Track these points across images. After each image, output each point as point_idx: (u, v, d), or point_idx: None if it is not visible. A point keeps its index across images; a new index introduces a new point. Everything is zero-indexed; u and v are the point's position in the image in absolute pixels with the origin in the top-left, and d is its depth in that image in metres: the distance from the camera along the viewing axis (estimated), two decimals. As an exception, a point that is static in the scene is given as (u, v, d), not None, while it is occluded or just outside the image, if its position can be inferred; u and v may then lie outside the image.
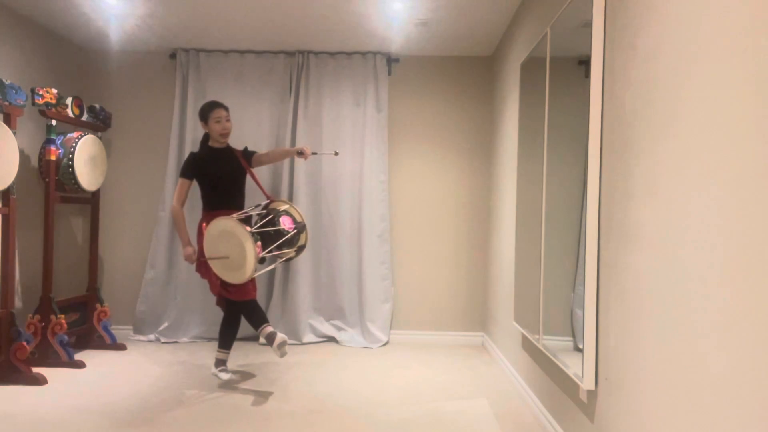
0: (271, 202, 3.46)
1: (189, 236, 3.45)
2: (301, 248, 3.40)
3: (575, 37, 2.30)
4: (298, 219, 3.38)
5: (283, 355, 3.17)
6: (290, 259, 3.48)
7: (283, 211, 3.36)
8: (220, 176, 3.42)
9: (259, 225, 3.26)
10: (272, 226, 3.25)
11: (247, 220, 3.37)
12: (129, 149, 4.65)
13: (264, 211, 3.40)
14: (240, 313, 3.43)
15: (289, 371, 3.67)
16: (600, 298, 2.03)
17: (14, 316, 3.36)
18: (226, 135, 3.46)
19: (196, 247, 3.41)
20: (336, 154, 3.81)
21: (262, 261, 3.32)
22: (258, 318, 3.34)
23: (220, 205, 3.39)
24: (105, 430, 2.62)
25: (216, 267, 3.17)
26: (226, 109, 3.48)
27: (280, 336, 3.16)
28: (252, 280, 3.37)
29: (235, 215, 3.24)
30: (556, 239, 2.53)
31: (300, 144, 4.48)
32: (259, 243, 3.14)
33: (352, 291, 4.54)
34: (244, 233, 3.03)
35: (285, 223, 3.28)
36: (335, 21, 3.89)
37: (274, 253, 3.27)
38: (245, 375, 3.56)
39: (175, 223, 3.46)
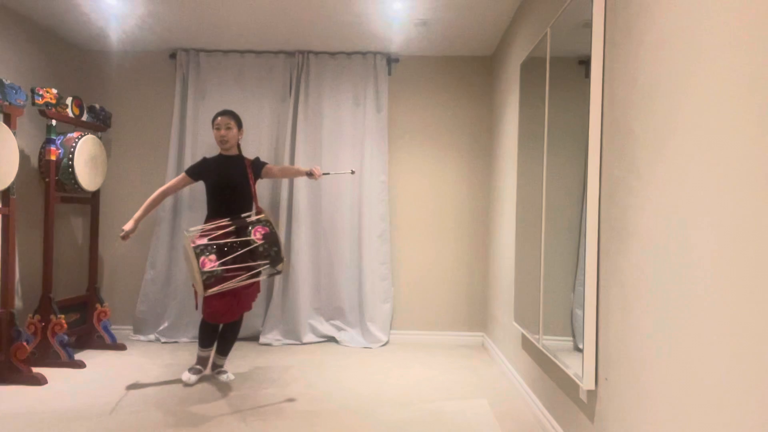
0: (258, 214, 3.40)
1: (141, 218, 3.42)
2: (276, 260, 3.15)
3: (575, 37, 2.30)
4: (271, 230, 3.19)
5: (188, 380, 3.35)
6: (273, 274, 3.24)
7: (258, 221, 3.22)
8: (221, 183, 3.42)
9: (215, 237, 3.19)
10: (245, 237, 3.17)
11: (239, 231, 3.26)
12: (129, 149, 4.65)
13: (230, 222, 3.34)
14: (238, 325, 3.46)
15: (289, 371, 3.67)
16: (600, 298, 2.03)
17: (14, 316, 3.36)
18: (223, 143, 3.44)
19: (133, 228, 3.37)
20: (352, 172, 3.76)
21: (259, 272, 3.18)
22: (206, 340, 3.40)
23: (219, 212, 3.39)
24: (105, 431, 2.62)
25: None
26: (229, 116, 3.45)
27: (198, 369, 3.42)
28: (228, 302, 3.24)
29: (207, 226, 3.26)
30: (556, 239, 2.53)
31: (299, 148, 4.47)
32: (212, 256, 3.02)
33: (352, 291, 4.54)
34: (189, 248, 3.02)
35: (256, 234, 3.15)
36: (335, 21, 3.89)
37: (247, 264, 3.11)
38: (245, 375, 3.56)
39: (147, 200, 3.47)
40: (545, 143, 2.61)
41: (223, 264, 3.05)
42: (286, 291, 4.49)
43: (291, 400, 3.10)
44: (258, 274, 3.17)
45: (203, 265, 2.97)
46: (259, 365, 3.79)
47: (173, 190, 3.54)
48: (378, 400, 3.11)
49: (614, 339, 1.89)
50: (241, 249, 3.12)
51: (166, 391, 3.20)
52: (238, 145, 3.59)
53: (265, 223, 3.22)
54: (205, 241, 3.10)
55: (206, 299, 3.22)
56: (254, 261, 3.13)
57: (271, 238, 3.15)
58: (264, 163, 3.55)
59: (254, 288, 3.41)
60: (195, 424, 2.71)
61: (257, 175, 3.51)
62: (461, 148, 4.62)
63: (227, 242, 3.15)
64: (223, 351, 3.47)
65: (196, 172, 3.48)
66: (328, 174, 3.82)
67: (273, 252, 3.14)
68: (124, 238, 3.38)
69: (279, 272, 3.27)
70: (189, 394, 3.15)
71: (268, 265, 3.15)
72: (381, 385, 3.41)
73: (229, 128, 3.44)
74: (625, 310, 1.80)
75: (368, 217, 4.48)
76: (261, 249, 3.13)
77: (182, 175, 3.50)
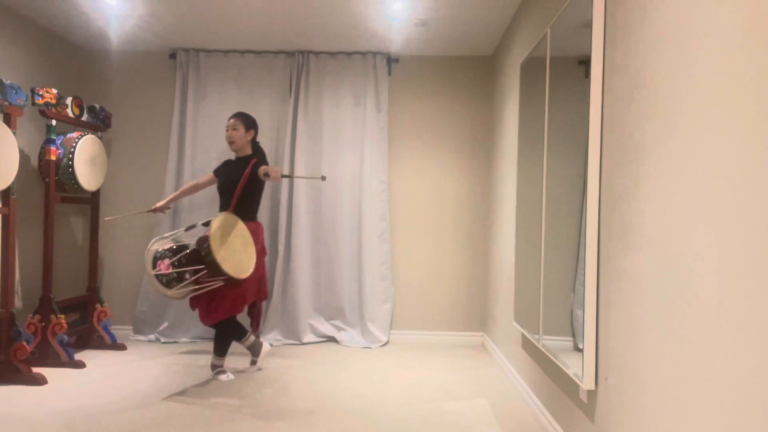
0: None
1: (173, 200, 3.90)
2: (213, 268, 3.07)
3: (575, 37, 2.30)
4: (206, 234, 3.14)
5: (227, 378, 3.45)
6: (222, 278, 3.13)
7: (208, 223, 3.22)
8: (222, 184, 3.59)
9: (169, 239, 3.27)
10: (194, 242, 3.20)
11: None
12: (129, 149, 4.65)
13: (186, 228, 3.48)
14: (231, 325, 3.46)
15: (289, 371, 3.67)
16: (600, 298, 2.03)
17: (14, 316, 3.36)
18: (230, 144, 3.58)
19: (167, 210, 3.90)
20: (323, 179, 3.60)
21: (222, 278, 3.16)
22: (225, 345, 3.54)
23: (220, 211, 3.48)
24: (105, 431, 2.62)
25: None
26: (237, 118, 3.57)
27: (217, 367, 3.50)
28: (203, 304, 3.29)
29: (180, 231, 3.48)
30: (556, 239, 2.53)
31: (299, 148, 4.47)
32: (165, 261, 3.06)
33: (352, 291, 4.54)
34: (149, 252, 3.13)
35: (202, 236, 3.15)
36: (335, 21, 3.89)
37: (194, 268, 3.08)
38: (245, 375, 3.56)
39: (181, 188, 3.92)
40: (545, 143, 2.61)
41: (177, 267, 3.06)
42: (286, 291, 4.49)
43: (291, 400, 3.10)
44: (222, 279, 3.15)
45: (159, 267, 3.05)
46: (260, 365, 3.79)
47: (203, 185, 3.85)
48: (378, 400, 3.10)
49: (614, 339, 1.89)
50: (183, 251, 3.13)
51: (166, 392, 3.20)
52: (257, 146, 3.66)
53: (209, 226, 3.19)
54: (168, 245, 3.18)
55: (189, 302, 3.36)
56: (191, 264, 3.10)
57: (201, 243, 3.10)
58: (261, 165, 3.54)
59: (239, 291, 3.33)
60: (195, 425, 2.71)
61: (256, 177, 3.49)
62: (461, 148, 4.62)
63: (173, 246, 3.17)
64: (216, 351, 3.48)
65: (216, 172, 3.71)
66: (288, 176, 3.78)
67: (209, 260, 3.04)
68: (154, 210, 3.80)
69: (231, 279, 3.15)
70: (189, 395, 3.15)
71: (206, 271, 3.07)
72: (381, 385, 3.41)
73: (235, 129, 3.54)
74: (625, 310, 1.80)
75: (368, 217, 4.48)
76: (203, 253, 3.08)
77: (211, 173, 3.78)
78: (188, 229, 3.45)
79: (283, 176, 3.49)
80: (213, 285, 3.17)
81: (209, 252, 3.05)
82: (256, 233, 3.50)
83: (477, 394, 3.25)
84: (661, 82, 1.59)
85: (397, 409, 2.97)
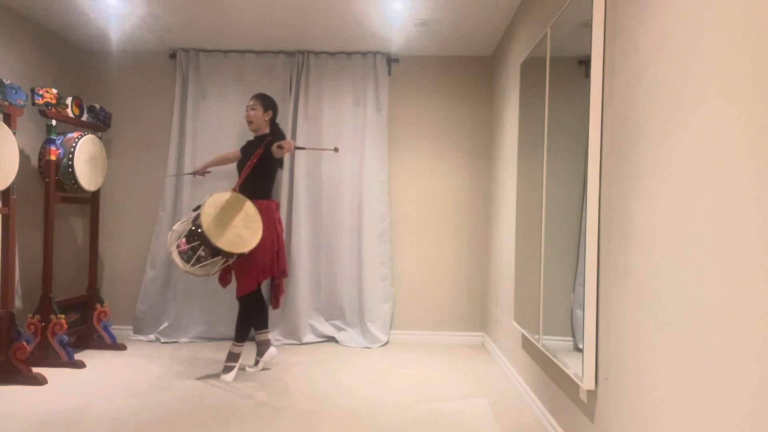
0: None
1: (208, 166, 4.05)
2: (205, 239, 3.19)
3: (575, 37, 2.30)
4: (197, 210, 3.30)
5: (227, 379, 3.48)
6: (224, 254, 3.25)
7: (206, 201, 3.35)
8: (238, 162, 3.73)
9: (187, 220, 3.38)
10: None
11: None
12: (129, 149, 4.65)
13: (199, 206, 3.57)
14: (254, 307, 3.59)
15: (289, 371, 3.67)
16: (600, 298, 2.03)
17: (14, 316, 3.36)
18: (248, 123, 3.74)
19: (206, 174, 4.10)
20: (336, 150, 3.65)
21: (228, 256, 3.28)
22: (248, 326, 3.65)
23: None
24: (105, 431, 2.62)
25: None
26: (256, 98, 3.74)
27: (232, 358, 3.55)
28: (235, 280, 3.52)
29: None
30: (556, 239, 2.53)
31: (300, 142, 4.47)
32: (182, 239, 3.24)
33: (352, 291, 4.54)
34: (176, 231, 3.30)
35: None
36: (335, 21, 3.89)
37: (194, 244, 3.23)
38: (245, 375, 3.56)
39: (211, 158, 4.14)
40: (545, 143, 2.61)
41: (189, 245, 3.23)
42: (286, 291, 4.48)
43: (291, 400, 3.10)
44: (229, 258, 3.31)
45: (179, 246, 3.22)
46: (262, 366, 3.78)
47: (231, 159, 3.96)
48: (378, 400, 3.11)
49: (614, 339, 1.89)
50: (190, 228, 3.25)
51: (165, 392, 3.20)
52: (275, 127, 3.75)
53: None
54: (188, 226, 3.31)
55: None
56: (194, 241, 3.24)
57: (195, 220, 3.26)
58: (274, 142, 3.56)
59: (252, 268, 3.44)
60: (195, 424, 2.71)
61: (268, 156, 3.54)
62: (461, 148, 4.62)
63: (191, 226, 3.28)
64: (235, 335, 3.57)
65: (241, 149, 3.80)
66: (302, 148, 3.83)
67: (204, 236, 3.18)
68: (194, 173, 4.07)
69: (229, 256, 3.28)
70: (189, 394, 3.16)
71: (201, 246, 3.22)
72: (381, 385, 3.41)
73: (253, 109, 3.68)
74: (625, 310, 1.80)
75: (368, 217, 4.48)
76: (197, 230, 3.22)
77: (238, 149, 3.91)
78: (195, 209, 3.50)
79: (297, 148, 3.63)
80: (227, 261, 3.32)
81: (200, 228, 3.20)
82: (267, 210, 3.54)
83: (477, 394, 3.25)
84: (660, 81, 1.60)
85: (397, 409, 2.97)
